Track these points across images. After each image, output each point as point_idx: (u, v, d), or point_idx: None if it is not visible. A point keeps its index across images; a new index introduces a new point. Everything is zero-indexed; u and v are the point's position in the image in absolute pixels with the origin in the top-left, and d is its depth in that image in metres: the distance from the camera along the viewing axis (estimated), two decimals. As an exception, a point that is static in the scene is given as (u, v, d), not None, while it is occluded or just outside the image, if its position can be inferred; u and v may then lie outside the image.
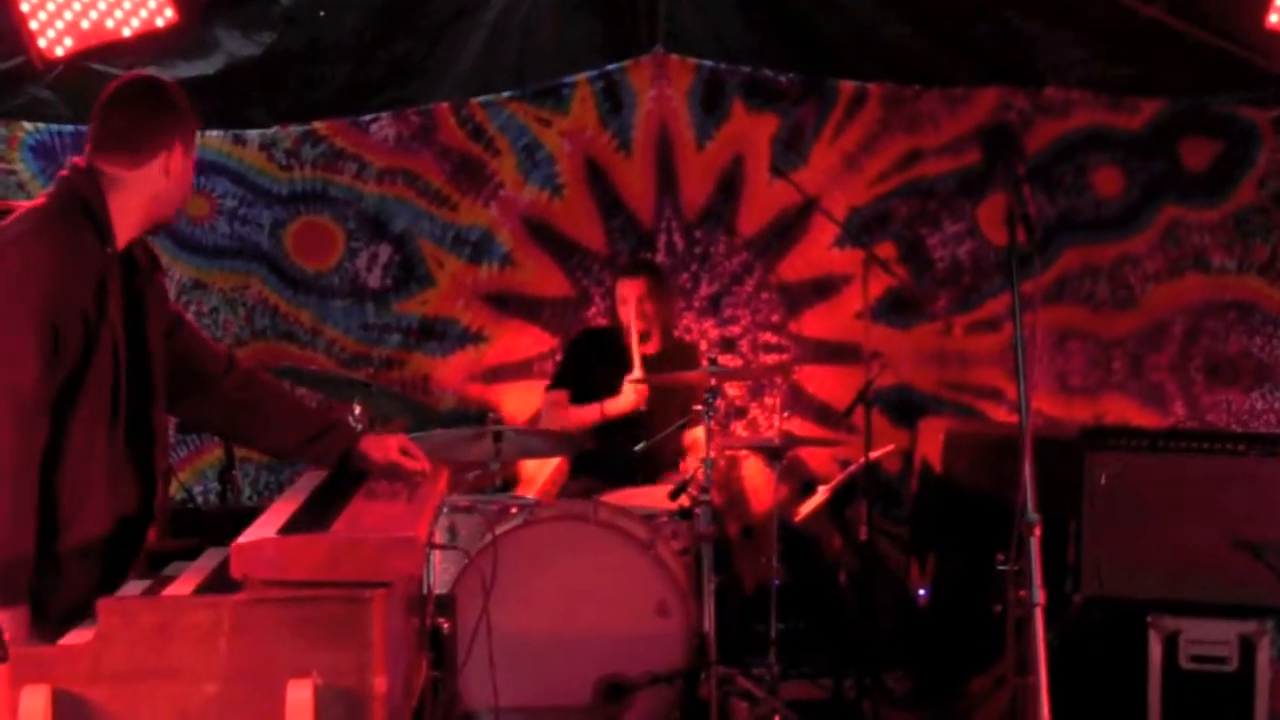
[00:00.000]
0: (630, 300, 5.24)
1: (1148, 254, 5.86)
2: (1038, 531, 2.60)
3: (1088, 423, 5.65)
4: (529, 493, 5.66)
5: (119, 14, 5.17)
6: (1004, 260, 5.74)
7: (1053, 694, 2.67)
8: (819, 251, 5.94)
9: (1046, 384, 5.78)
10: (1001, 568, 2.77)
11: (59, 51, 5.14)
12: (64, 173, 2.73)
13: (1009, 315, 5.74)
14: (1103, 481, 4.34)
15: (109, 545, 2.68)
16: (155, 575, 2.67)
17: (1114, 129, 5.83)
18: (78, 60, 5.17)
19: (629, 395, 5.11)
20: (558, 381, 5.44)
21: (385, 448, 3.05)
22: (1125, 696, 4.24)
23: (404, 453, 3.07)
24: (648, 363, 5.20)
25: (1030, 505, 2.59)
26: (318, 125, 5.87)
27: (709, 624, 4.29)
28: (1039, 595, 2.57)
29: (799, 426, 5.84)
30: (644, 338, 5.25)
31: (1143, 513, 4.33)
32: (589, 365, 5.36)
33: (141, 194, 2.71)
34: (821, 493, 5.06)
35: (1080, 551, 4.33)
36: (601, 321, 5.83)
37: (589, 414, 5.22)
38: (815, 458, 5.89)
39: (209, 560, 2.69)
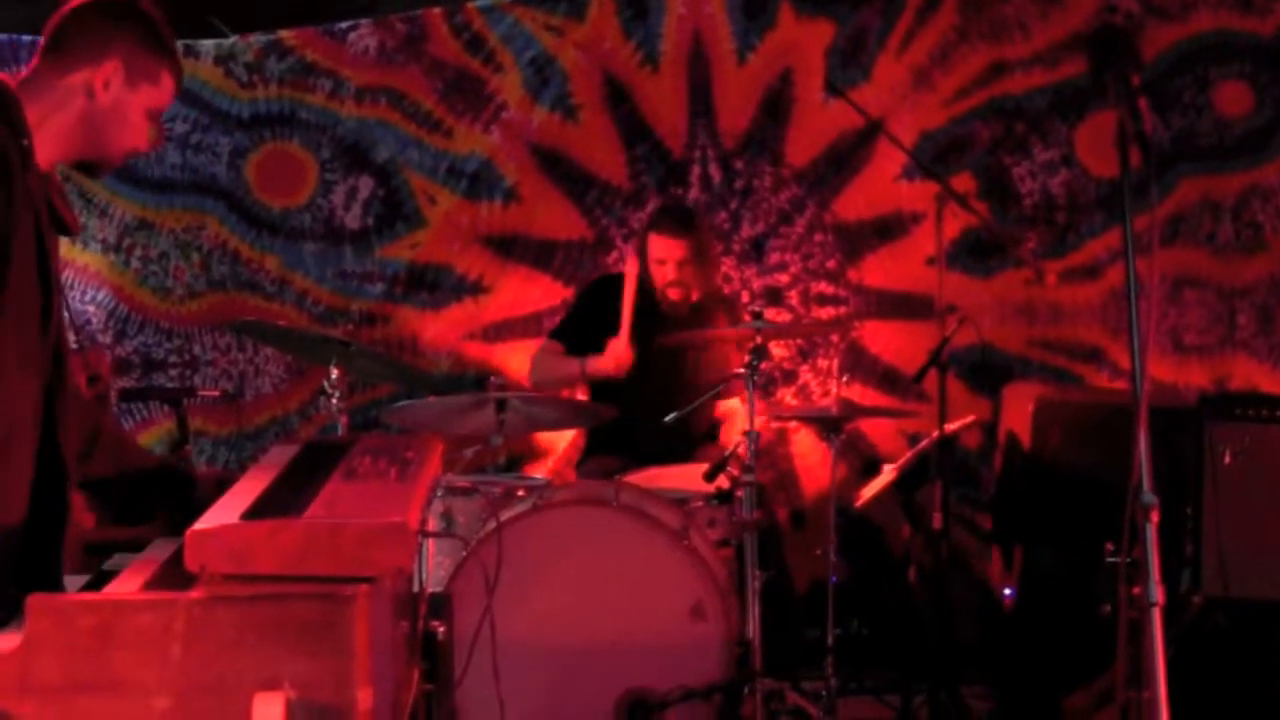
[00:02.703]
0: (669, 262, 5.18)
1: (1280, 186, 5.82)
2: (1155, 516, 2.56)
3: (1207, 388, 5.63)
4: (539, 471, 5.65)
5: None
6: (1107, 193, 5.74)
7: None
8: (883, 185, 5.91)
9: (1157, 342, 5.75)
10: (1112, 560, 2.72)
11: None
12: None
13: (1111, 259, 5.80)
14: (1227, 459, 4.30)
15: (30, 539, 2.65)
16: (95, 569, 2.65)
17: (1241, 35, 5.78)
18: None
19: (608, 358, 5.08)
20: (559, 332, 5.42)
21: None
22: (1253, 717, 4.20)
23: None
24: (678, 320, 5.16)
25: (1146, 484, 2.54)
26: (285, 34, 5.87)
27: (753, 629, 4.28)
28: (1158, 593, 2.53)
29: (860, 394, 5.82)
30: (677, 303, 5.21)
31: (1275, 496, 4.29)
32: (603, 321, 5.29)
33: (64, 111, 2.72)
34: (887, 473, 5.05)
35: (1199, 543, 4.30)
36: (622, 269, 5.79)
37: (566, 368, 5.20)
38: (879, 431, 5.89)
39: (158, 551, 2.67)
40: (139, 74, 2.78)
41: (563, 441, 5.87)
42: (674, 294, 5.19)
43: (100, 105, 2.74)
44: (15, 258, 2.57)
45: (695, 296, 5.25)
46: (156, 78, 2.81)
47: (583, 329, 5.33)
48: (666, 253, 5.19)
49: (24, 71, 2.75)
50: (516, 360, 5.91)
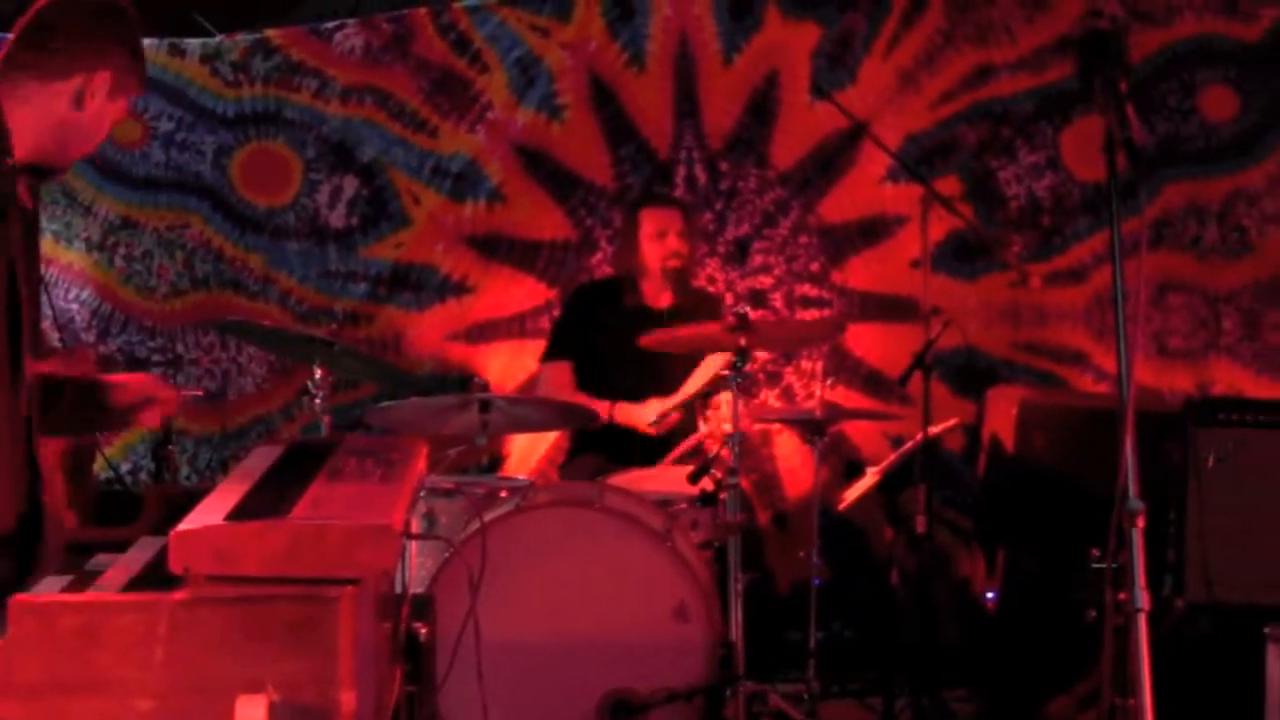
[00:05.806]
0: (669, 232, 5.18)
1: (1266, 190, 5.80)
2: (1141, 522, 2.56)
3: (1191, 393, 5.63)
4: (521, 473, 5.64)
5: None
6: (1092, 197, 5.74)
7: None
8: (868, 187, 5.91)
9: (1141, 346, 5.74)
10: (1097, 565, 2.72)
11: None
12: None
13: (1096, 264, 5.80)
14: (1211, 463, 4.31)
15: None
16: (77, 570, 2.63)
17: (1226, 40, 5.78)
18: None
19: (648, 418, 5.06)
20: (556, 350, 5.37)
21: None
22: (1236, 722, 4.22)
23: None
24: (662, 316, 5.15)
25: (1133, 489, 2.55)
26: (270, 33, 5.86)
27: (736, 631, 4.27)
28: (1143, 599, 2.53)
29: (843, 396, 5.81)
30: (678, 274, 5.20)
31: (1259, 501, 4.30)
32: (592, 329, 5.29)
33: (43, 116, 2.61)
34: (870, 475, 5.05)
35: (1183, 548, 4.30)
36: (607, 271, 5.78)
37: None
38: (863, 433, 5.88)
39: (142, 552, 2.65)
40: (123, 87, 2.68)
41: (539, 448, 5.85)
42: (674, 264, 5.19)
43: (83, 116, 2.63)
44: None
45: (671, 300, 5.25)
46: (135, 88, 2.72)
47: (578, 342, 5.31)
48: (666, 222, 5.20)
49: None
50: (499, 361, 5.90)
